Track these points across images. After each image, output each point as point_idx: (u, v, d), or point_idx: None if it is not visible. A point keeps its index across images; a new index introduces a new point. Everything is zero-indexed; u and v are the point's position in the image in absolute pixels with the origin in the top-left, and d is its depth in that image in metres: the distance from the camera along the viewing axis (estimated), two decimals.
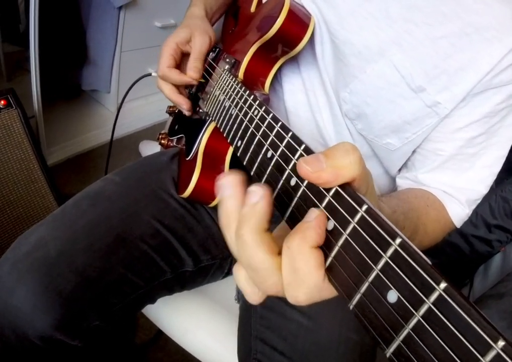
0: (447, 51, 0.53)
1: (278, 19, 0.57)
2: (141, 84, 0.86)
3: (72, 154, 1.72)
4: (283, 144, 0.39)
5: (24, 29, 1.69)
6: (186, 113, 0.72)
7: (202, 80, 0.68)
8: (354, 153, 0.28)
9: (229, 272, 0.82)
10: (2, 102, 1.12)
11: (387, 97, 0.57)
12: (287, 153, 0.38)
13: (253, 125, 0.46)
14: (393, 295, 0.24)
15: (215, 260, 0.76)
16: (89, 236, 0.62)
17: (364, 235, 0.27)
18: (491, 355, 0.19)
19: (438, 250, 1.33)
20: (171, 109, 0.84)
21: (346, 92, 0.60)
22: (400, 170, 0.68)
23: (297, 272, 0.28)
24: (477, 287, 1.27)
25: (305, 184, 0.34)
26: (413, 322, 0.23)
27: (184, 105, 0.70)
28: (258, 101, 0.47)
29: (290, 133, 0.39)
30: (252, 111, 0.47)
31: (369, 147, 0.64)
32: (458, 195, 0.60)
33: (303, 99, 0.65)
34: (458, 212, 0.61)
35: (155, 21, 1.82)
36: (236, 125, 0.51)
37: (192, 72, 0.66)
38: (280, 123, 0.41)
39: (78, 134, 1.79)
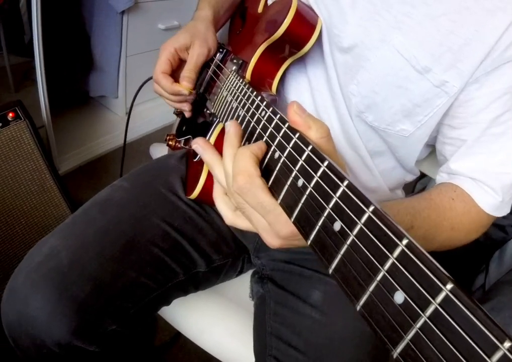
0: (448, 28, 0.52)
1: (286, 20, 0.57)
2: (148, 87, 0.86)
3: (83, 161, 1.74)
4: (290, 145, 0.39)
5: (29, 40, 1.70)
6: (187, 114, 0.72)
7: (192, 91, 0.69)
8: (324, 128, 0.38)
9: (242, 270, 0.82)
10: (11, 114, 1.14)
11: (394, 83, 0.57)
12: (294, 154, 0.38)
13: (260, 126, 0.46)
14: (399, 296, 0.24)
15: (226, 260, 0.76)
16: (99, 242, 0.63)
17: (371, 236, 0.27)
18: (497, 355, 0.19)
19: None
20: (178, 110, 0.84)
21: (353, 84, 0.60)
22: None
23: (237, 164, 0.40)
24: (493, 273, 1.24)
25: (312, 185, 0.34)
26: (420, 322, 0.23)
27: (185, 107, 0.71)
28: (265, 102, 0.48)
29: (297, 134, 0.39)
30: (259, 112, 0.47)
31: (381, 141, 0.64)
32: (490, 181, 0.56)
33: (309, 98, 0.66)
34: (488, 201, 0.57)
35: (158, 23, 1.82)
36: (243, 126, 0.51)
37: (186, 81, 0.67)
38: (287, 124, 0.41)
39: (89, 141, 1.81)
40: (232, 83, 0.62)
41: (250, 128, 0.48)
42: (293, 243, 0.41)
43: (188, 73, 0.67)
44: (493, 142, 0.56)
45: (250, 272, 0.82)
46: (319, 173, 0.34)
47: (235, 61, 0.67)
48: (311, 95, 0.65)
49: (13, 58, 1.81)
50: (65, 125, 1.77)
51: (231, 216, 0.46)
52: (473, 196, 0.58)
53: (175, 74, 0.70)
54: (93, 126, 1.90)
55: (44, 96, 1.40)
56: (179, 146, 0.78)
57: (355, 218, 0.28)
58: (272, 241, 0.41)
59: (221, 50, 0.74)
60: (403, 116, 0.59)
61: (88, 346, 0.59)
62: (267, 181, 0.42)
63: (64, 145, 1.68)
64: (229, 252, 0.77)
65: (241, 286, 0.81)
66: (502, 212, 0.59)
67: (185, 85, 0.67)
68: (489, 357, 0.19)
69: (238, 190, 0.40)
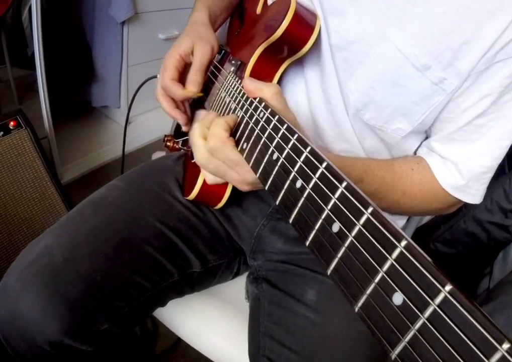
0: (448, 26, 0.52)
1: (284, 21, 0.57)
2: (149, 96, 0.85)
3: (86, 170, 1.74)
4: (289, 146, 0.39)
5: (32, 52, 1.72)
6: (183, 128, 0.72)
7: (201, 94, 0.69)
8: (274, 86, 0.49)
9: (238, 272, 0.81)
10: (12, 123, 1.16)
11: (393, 80, 0.57)
12: (293, 155, 0.38)
13: (258, 128, 0.46)
14: (398, 298, 0.24)
15: (222, 260, 0.76)
16: (93, 241, 0.62)
17: (370, 237, 0.27)
18: (496, 357, 0.19)
19: (455, 240, 1.30)
20: None
21: (352, 81, 0.59)
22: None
23: (212, 129, 0.50)
24: (496, 274, 1.23)
25: (310, 186, 0.34)
26: (419, 324, 0.23)
27: (180, 120, 0.70)
28: (263, 103, 0.48)
29: (296, 136, 0.39)
30: (257, 113, 0.47)
31: (377, 140, 0.65)
32: (460, 165, 0.60)
33: (304, 99, 0.66)
34: (447, 179, 0.61)
35: (158, 33, 1.83)
36: (241, 127, 0.51)
37: (191, 85, 0.66)
38: (286, 125, 0.41)
39: (91, 151, 1.82)
40: (230, 84, 0.62)
41: (248, 130, 0.48)
42: (258, 186, 0.52)
43: (194, 76, 0.67)
44: (474, 131, 0.58)
45: (246, 274, 0.82)
46: (317, 175, 0.34)
47: (233, 62, 0.67)
48: (306, 96, 0.65)
49: (16, 71, 1.82)
50: (67, 136, 1.78)
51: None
52: (434, 171, 0.62)
53: (182, 79, 0.70)
54: (96, 136, 1.91)
55: (46, 107, 1.41)
56: (177, 147, 0.78)
57: (354, 219, 0.28)
58: (242, 186, 0.53)
59: (219, 50, 0.74)
60: (400, 114, 0.59)
61: (80, 345, 0.58)
62: (266, 182, 0.42)
63: (67, 155, 1.70)
64: (225, 252, 0.76)
65: (237, 288, 0.81)
66: (467, 197, 0.62)
67: (191, 89, 0.66)
68: (488, 359, 0.19)
69: (211, 150, 0.50)
